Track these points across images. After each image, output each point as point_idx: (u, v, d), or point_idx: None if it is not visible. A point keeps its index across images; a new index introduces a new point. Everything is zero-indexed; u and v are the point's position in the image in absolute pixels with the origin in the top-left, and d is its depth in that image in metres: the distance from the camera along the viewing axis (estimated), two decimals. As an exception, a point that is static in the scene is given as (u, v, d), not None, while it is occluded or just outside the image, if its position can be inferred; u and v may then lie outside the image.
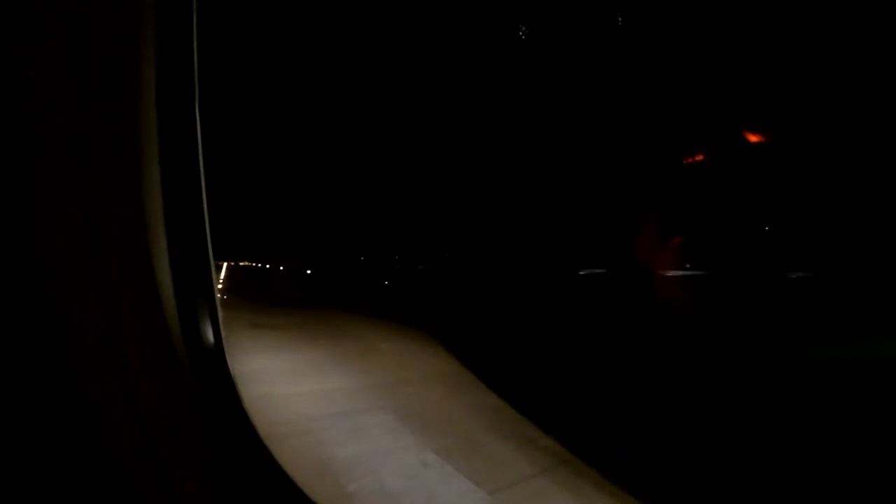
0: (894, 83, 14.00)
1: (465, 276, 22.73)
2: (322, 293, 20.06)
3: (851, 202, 14.29)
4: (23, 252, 0.90)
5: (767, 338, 8.22)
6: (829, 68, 15.49)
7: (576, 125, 22.73)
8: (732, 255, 15.32)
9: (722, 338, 8.48)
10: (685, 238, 16.58)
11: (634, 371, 6.74)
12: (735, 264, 14.81)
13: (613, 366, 7.08)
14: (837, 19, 15.45)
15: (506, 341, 8.95)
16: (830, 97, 15.32)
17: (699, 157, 18.75)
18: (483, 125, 26.41)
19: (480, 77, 26.68)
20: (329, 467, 3.48)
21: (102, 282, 0.96)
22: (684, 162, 19.10)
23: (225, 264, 34.69)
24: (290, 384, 5.42)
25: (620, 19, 21.54)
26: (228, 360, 1.21)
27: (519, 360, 7.43)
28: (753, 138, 16.87)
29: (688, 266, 15.76)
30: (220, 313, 1.21)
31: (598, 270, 19.02)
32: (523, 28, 25.20)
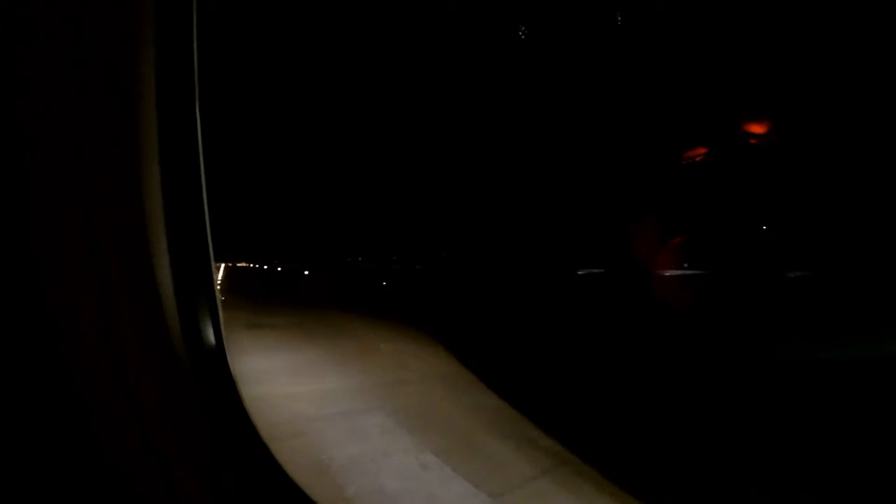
0: (891, 83, 14.03)
1: (463, 276, 22.73)
2: (320, 293, 20.05)
3: (849, 201, 14.32)
4: (23, 252, 0.90)
5: (767, 337, 8.23)
6: (826, 68, 15.52)
7: (573, 125, 22.75)
8: (731, 254, 15.34)
9: (721, 337, 8.49)
10: (684, 238, 16.60)
11: (634, 371, 6.74)
12: (734, 264, 14.82)
13: (613, 365, 7.08)
14: (836, 18, 15.48)
15: (505, 341, 8.95)
16: (828, 97, 15.35)
17: (697, 157, 18.78)
18: (481, 125, 26.42)
19: (478, 77, 26.69)
20: (328, 469, 3.46)
21: (102, 282, 0.96)
22: (682, 162, 19.12)
23: (222, 265, 34.64)
24: (289, 384, 5.41)
25: (620, 19, 21.57)
26: (229, 360, 1.21)
27: (518, 361, 7.42)
28: (757, 130, 16.89)
29: (686, 266, 15.79)
30: (221, 313, 1.21)
31: (596, 270, 19.03)
32: (522, 28, 25.22)
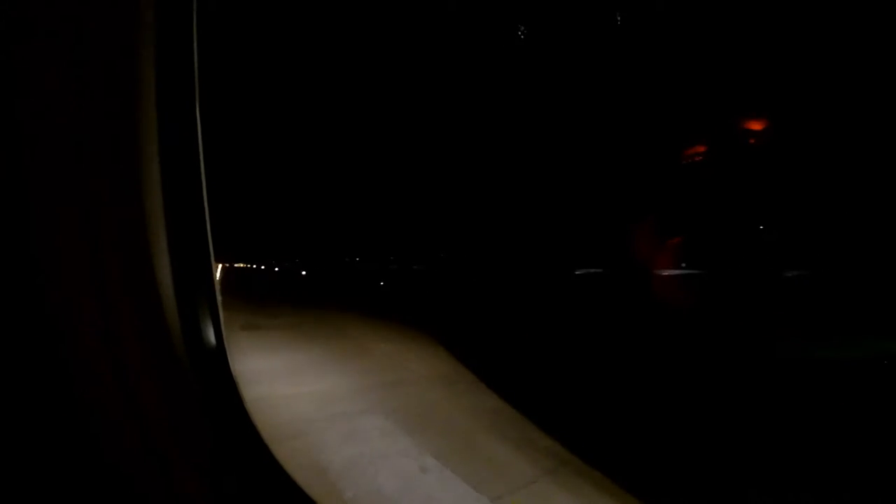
0: (888, 84, 14.08)
1: (461, 276, 22.73)
2: (318, 293, 20.03)
3: (845, 201, 14.36)
4: (23, 252, 0.89)
5: (766, 337, 8.25)
6: (824, 68, 15.57)
7: (570, 126, 22.77)
8: (728, 254, 15.38)
9: (720, 337, 8.51)
10: (681, 237, 16.64)
11: (633, 370, 6.75)
12: (731, 263, 14.86)
13: (612, 365, 7.08)
14: (834, 18, 15.52)
15: (504, 341, 8.95)
16: (825, 97, 15.39)
17: (694, 158, 18.81)
18: (479, 125, 26.42)
19: (476, 77, 26.70)
20: (326, 472, 3.43)
21: (102, 282, 0.96)
22: (680, 161, 19.15)
23: (219, 266, 34.53)
24: (287, 385, 5.39)
25: (619, 19, 21.59)
26: (230, 361, 1.21)
27: (518, 361, 7.42)
28: (755, 129, 16.93)
29: (684, 265, 15.82)
30: (221, 313, 1.21)
31: (594, 270, 19.04)
32: (522, 28, 25.24)
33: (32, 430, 0.91)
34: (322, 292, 20.72)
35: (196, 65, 1.13)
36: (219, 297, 1.24)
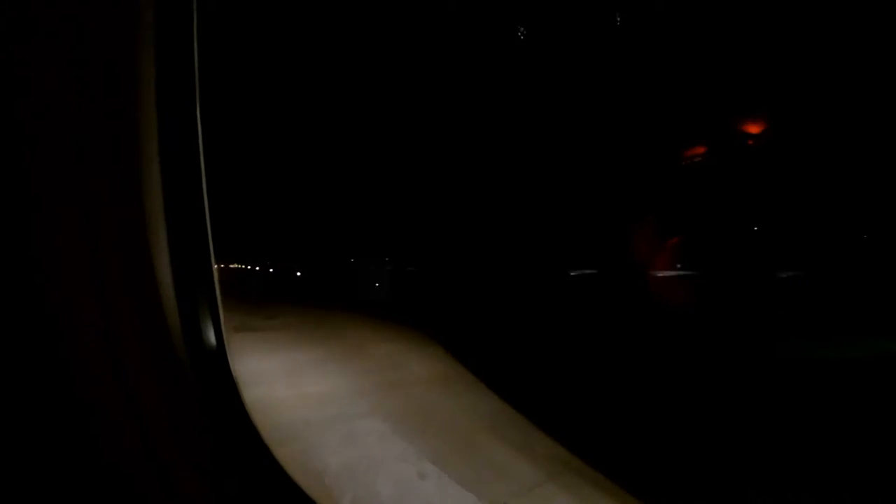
0: (884, 87, 14.19)
1: (456, 277, 22.71)
2: (315, 294, 20.00)
3: (840, 202, 14.46)
4: (23, 252, 0.89)
5: (765, 337, 8.29)
6: (820, 71, 15.67)
7: (565, 127, 22.81)
8: (723, 255, 15.44)
9: (720, 338, 8.53)
10: (676, 239, 16.70)
11: (634, 371, 6.74)
12: (726, 264, 14.92)
13: (612, 365, 7.07)
14: (832, 19, 15.62)
15: (502, 342, 8.93)
16: (822, 100, 15.49)
17: (690, 159, 18.89)
18: (475, 126, 26.44)
19: (476, 77, 26.72)
20: (322, 478, 3.36)
21: (102, 282, 0.96)
22: (674, 164, 19.23)
23: (215, 266, 34.29)
24: (284, 387, 5.34)
25: (619, 20, 21.65)
26: (230, 361, 1.21)
27: (516, 361, 7.40)
28: (753, 130, 17.01)
29: (679, 266, 15.88)
30: (222, 314, 1.21)
31: (588, 271, 19.06)
32: (522, 29, 25.28)
33: (33, 430, 0.91)
34: (319, 293, 20.67)
35: (196, 65, 1.13)
36: (219, 297, 1.24)
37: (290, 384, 5.50)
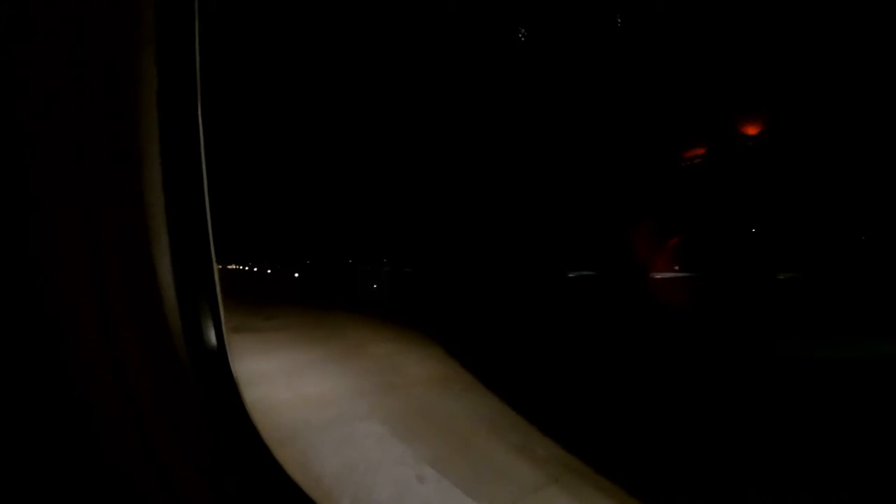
0: (883, 89, 14.23)
1: (453, 278, 22.70)
2: (313, 295, 19.97)
3: (838, 204, 14.49)
4: (23, 252, 0.89)
5: (765, 338, 8.29)
6: (818, 72, 15.71)
7: (563, 128, 22.83)
8: (721, 256, 15.46)
9: (720, 339, 8.53)
10: (675, 240, 16.72)
11: (635, 372, 6.74)
12: (724, 266, 14.94)
13: (613, 366, 7.07)
14: (832, 21, 15.65)
15: (500, 343, 8.92)
16: (821, 100, 15.52)
17: (689, 160, 18.91)
18: (474, 127, 26.45)
19: (473, 78, 26.73)
20: (320, 482, 3.33)
21: (102, 282, 0.96)
22: (672, 165, 19.24)
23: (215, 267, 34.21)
24: (283, 388, 5.32)
25: (619, 21, 21.67)
26: (231, 362, 1.20)
27: (514, 362, 7.39)
28: (752, 132, 17.04)
29: (677, 268, 15.90)
30: (223, 314, 1.21)
31: (587, 273, 19.05)
32: (522, 30, 25.29)
33: (33, 430, 0.91)
34: (317, 294, 20.64)
35: (198, 65, 1.13)
36: (220, 298, 1.24)
37: (289, 385, 5.48)
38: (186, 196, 1.11)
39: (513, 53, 25.69)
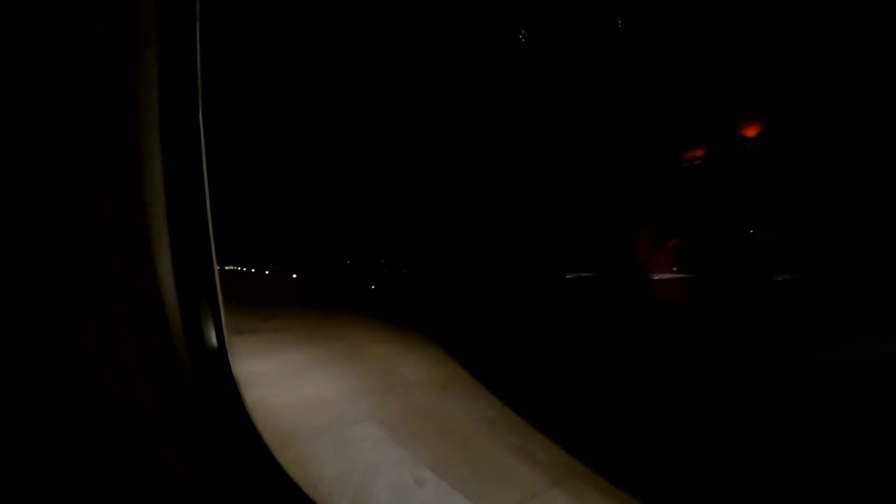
0: (882, 92, 14.27)
1: (451, 279, 22.68)
2: (312, 296, 19.93)
3: (835, 205, 14.52)
4: (23, 252, 0.89)
5: (764, 339, 8.31)
6: (817, 74, 15.74)
7: (561, 129, 22.84)
8: (719, 258, 15.49)
9: (717, 339, 8.55)
10: (673, 241, 16.74)
11: (635, 373, 6.74)
12: (722, 267, 14.97)
13: (613, 367, 7.06)
14: (833, 23, 15.68)
15: (499, 344, 8.92)
16: (820, 101, 15.55)
17: (687, 162, 18.94)
18: (472, 128, 26.45)
19: (471, 79, 26.74)
20: (317, 487, 3.30)
21: (102, 282, 0.96)
22: (672, 166, 19.27)
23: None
24: (279, 390, 5.29)
25: (619, 22, 21.69)
26: (231, 362, 1.20)
27: (513, 363, 7.39)
28: (751, 133, 17.07)
29: (675, 269, 15.92)
30: (224, 315, 1.21)
31: (584, 274, 19.06)
32: (522, 31, 25.31)
33: (32, 430, 0.90)
34: (316, 295, 20.59)
35: (199, 65, 1.13)
36: (220, 298, 1.23)
37: (288, 386, 5.47)
38: (187, 196, 1.11)
39: (513, 54, 25.71)
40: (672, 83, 19.26)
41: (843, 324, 8.85)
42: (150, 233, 1.02)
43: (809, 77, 15.85)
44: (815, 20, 16.08)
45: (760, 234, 15.75)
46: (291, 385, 5.55)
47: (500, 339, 9.44)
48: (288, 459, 3.65)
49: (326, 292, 22.09)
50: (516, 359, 7.70)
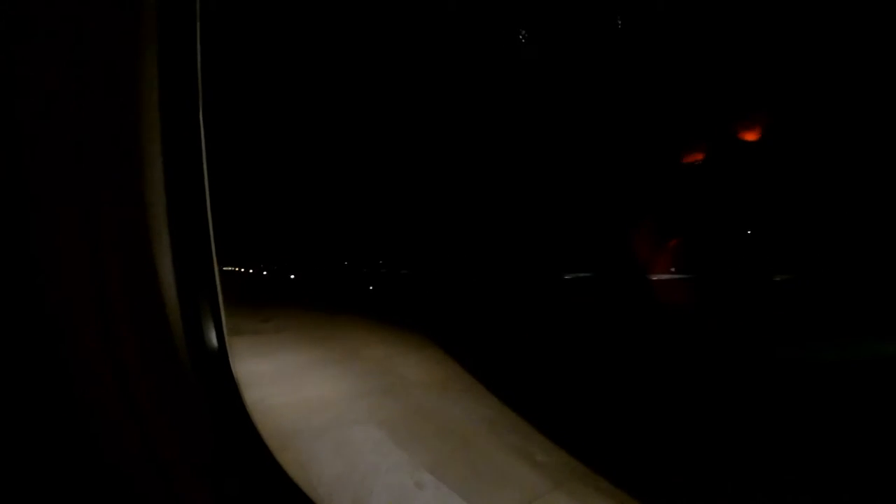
0: (881, 92, 14.29)
1: (450, 280, 22.68)
2: (311, 297, 19.92)
3: (834, 206, 14.54)
4: (23, 252, 0.89)
5: (764, 339, 8.31)
6: (816, 75, 15.76)
7: (561, 129, 22.85)
8: (718, 259, 15.50)
9: (713, 340, 8.55)
10: (672, 242, 16.75)
11: (629, 373, 6.74)
12: (721, 268, 14.98)
13: (614, 367, 7.06)
14: (833, 24, 15.70)
15: (500, 344, 8.92)
16: (819, 103, 15.57)
17: (685, 163, 18.96)
18: (472, 129, 26.45)
19: (470, 79, 26.74)
20: (316, 490, 3.27)
21: (102, 282, 0.96)
22: (671, 167, 19.29)
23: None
24: (281, 389, 5.31)
25: (620, 23, 21.71)
26: (231, 363, 1.20)
27: (515, 363, 7.39)
28: (750, 134, 17.10)
29: (673, 270, 15.94)
30: (224, 315, 1.21)
31: (583, 274, 19.08)
32: (523, 32, 25.33)
33: (32, 430, 0.90)
34: (314, 295, 20.59)
35: (199, 65, 1.12)
36: (221, 299, 1.23)
37: (288, 386, 5.47)
38: (188, 196, 1.11)
39: (513, 55, 25.73)
40: (672, 83, 19.27)
41: (843, 324, 8.86)
42: (150, 233, 1.02)
43: (809, 77, 15.87)
44: (814, 20, 16.09)
45: (760, 234, 15.77)
46: (291, 385, 5.55)
47: (500, 339, 9.43)
48: (288, 460, 3.65)
49: (325, 293, 22.07)
50: (516, 359, 7.69)
